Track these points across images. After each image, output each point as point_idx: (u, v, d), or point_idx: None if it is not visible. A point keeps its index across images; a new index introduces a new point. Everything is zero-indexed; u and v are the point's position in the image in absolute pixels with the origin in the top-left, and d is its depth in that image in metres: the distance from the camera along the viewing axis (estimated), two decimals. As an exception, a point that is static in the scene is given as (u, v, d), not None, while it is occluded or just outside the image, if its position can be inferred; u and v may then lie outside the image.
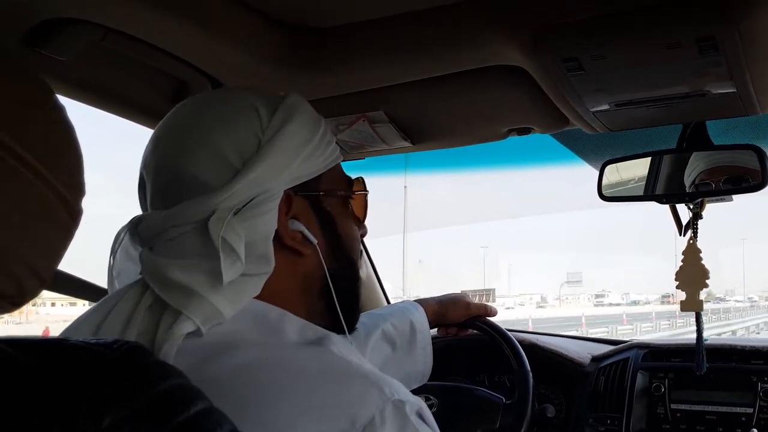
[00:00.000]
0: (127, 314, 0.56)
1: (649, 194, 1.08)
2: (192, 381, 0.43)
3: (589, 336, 1.61)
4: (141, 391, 0.39)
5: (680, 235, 1.08)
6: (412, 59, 0.88)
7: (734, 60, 0.75)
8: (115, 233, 0.65)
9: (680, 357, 1.24)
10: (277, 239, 0.59)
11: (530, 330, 1.50)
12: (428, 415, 0.56)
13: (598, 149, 1.40)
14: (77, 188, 0.43)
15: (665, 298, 60.49)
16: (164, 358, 0.51)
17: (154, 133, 0.63)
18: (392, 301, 1.53)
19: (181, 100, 0.66)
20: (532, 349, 1.27)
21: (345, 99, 1.00)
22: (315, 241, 0.62)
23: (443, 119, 1.08)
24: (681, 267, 1.04)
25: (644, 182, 1.09)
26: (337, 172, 0.67)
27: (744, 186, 1.00)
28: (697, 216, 1.05)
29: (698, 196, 1.05)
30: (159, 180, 0.60)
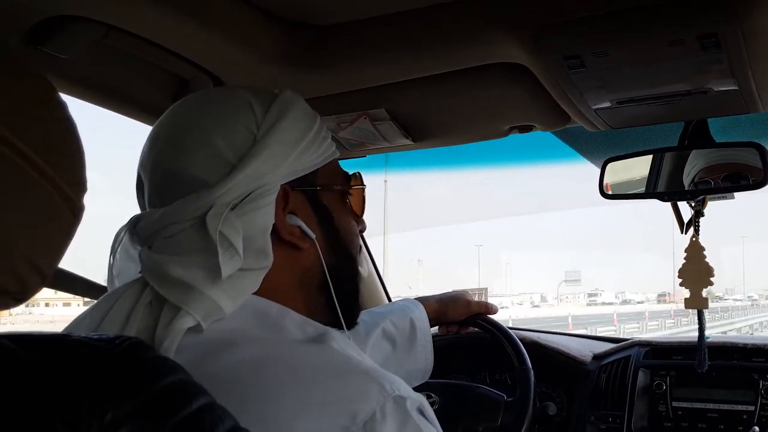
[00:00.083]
0: (127, 311, 0.56)
1: (650, 192, 1.08)
2: (193, 377, 0.43)
3: (590, 334, 1.61)
4: (143, 387, 0.39)
5: (682, 232, 1.08)
6: (414, 57, 0.88)
7: (736, 57, 0.75)
8: (115, 233, 0.65)
9: (682, 355, 1.24)
10: (275, 234, 0.60)
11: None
12: (429, 411, 0.56)
13: (600, 147, 1.40)
14: (79, 185, 0.43)
15: (662, 297, 59.66)
16: (165, 354, 0.51)
17: (151, 133, 0.63)
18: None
19: (182, 97, 0.66)
20: (533, 347, 1.27)
21: (346, 96, 1.00)
22: (313, 236, 0.63)
23: (445, 117, 1.08)
24: (684, 264, 1.04)
25: (646, 180, 1.09)
26: (333, 167, 0.68)
27: (745, 183, 1.00)
28: (698, 213, 1.05)
29: (700, 194, 1.05)
30: (156, 178, 0.61)
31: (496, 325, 1.12)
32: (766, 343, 1.20)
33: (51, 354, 0.39)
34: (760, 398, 1.13)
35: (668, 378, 1.21)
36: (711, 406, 1.16)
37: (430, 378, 1.05)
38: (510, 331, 1.14)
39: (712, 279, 1.02)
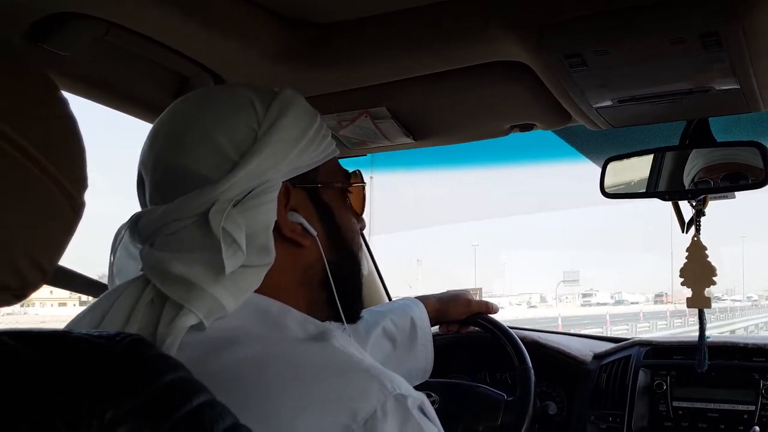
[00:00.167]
0: (128, 309, 0.56)
1: (651, 191, 1.08)
2: (195, 375, 0.43)
3: (591, 334, 1.61)
4: (143, 385, 0.39)
5: (683, 232, 1.08)
6: (415, 55, 0.88)
7: (738, 56, 0.75)
8: (115, 231, 0.65)
9: (682, 354, 1.24)
10: (277, 231, 0.60)
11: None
12: (430, 409, 0.56)
13: (601, 146, 1.39)
14: (80, 181, 0.43)
15: (659, 298, 58.79)
16: (166, 352, 0.51)
17: (152, 130, 0.64)
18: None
19: (183, 95, 0.66)
20: (534, 346, 1.27)
21: (347, 95, 1.00)
22: (314, 233, 0.63)
23: (446, 115, 1.08)
24: (685, 264, 1.04)
25: (647, 179, 1.09)
26: (334, 165, 0.68)
27: (746, 183, 1.00)
28: (699, 213, 1.05)
29: (701, 193, 1.05)
30: (157, 175, 0.61)
31: (496, 325, 1.12)
32: (766, 343, 1.20)
33: (51, 351, 0.38)
34: (761, 398, 1.13)
35: (669, 378, 1.21)
36: (711, 405, 1.16)
37: (430, 377, 1.05)
38: (510, 330, 1.14)
39: (714, 278, 1.02)
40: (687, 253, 1.05)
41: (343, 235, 0.67)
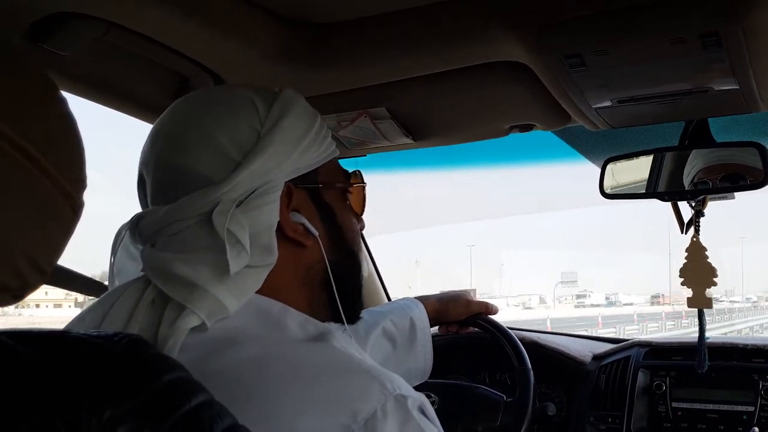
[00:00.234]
0: (129, 310, 0.56)
1: (651, 192, 1.08)
2: (195, 375, 0.43)
3: (590, 335, 1.61)
4: (143, 385, 0.39)
5: (682, 232, 1.08)
6: (414, 55, 0.88)
7: (737, 56, 0.75)
8: (115, 232, 0.65)
9: (681, 355, 1.24)
10: (280, 231, 0.60)
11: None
12: (430, 410, 0.56)
13: (600, 146, 1.39)
14: (79, 181, 0.43)
15: (655, 299, 58.07)
16: (168, 353, 0.51)
17: (152, 130, 0.63)
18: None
19: (183, 95, 0.66)
20: (533, 347, 1.27)
21: (347, 95, 1.00)
22: (316, 233, 0.63)
23: (445, 116, 1.07)
24: (685, 264, 1.04)
25: (646, 180, 1.09)
26: (334, 165, 0.68)
27: (745, 183, 1.00)
28: (699, 213, 1.05)
29: (700, 194, 1.05)
30: (159, 176, 0.61)
31: (495, 325, 1.12)
32: (765, 344, 1.20)
33: (50, 351, 0.38)
34: (760, 399, 1.13)
35: (668, 378, 1.21)
36: (711, 406, 1.16)
37: (430, 378, 1.05)
38: (510, 331, 1.14)
39: (715, 279, 1.02)
40: (686, 254, 1.05)
41: (344, 235, 0.67)
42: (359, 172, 0.72)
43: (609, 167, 1.08)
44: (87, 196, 0.44)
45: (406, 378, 0.90)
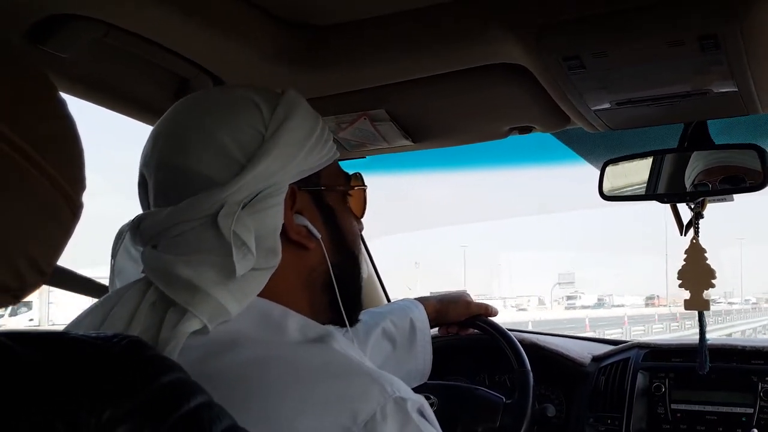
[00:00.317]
0: (130, 312, 0.56)
1: (650, 194, 1.08)
2: (195, 376, 0.43)
3: (589, 336, 1.61)
4: (142, 385, 0.39)
5: (681, 234, 1.08)
6: (413, 57, 0.88)
7: (736, 59, 0.75)
8: (116, 232, 0.65)
9: (681, 357, 1.24)
10: (283, 234, 0.60)
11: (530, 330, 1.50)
12: (429, 412, 0.56)
13: (600, 149, 1.40)
14: (78, 182, 0.43)
15: (650, 300, 57.19)
16: (168, 356, 0.51)
17: (153, 131, 0.63)
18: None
19: (182, 96, 0.66)
20: (532, 348, 1.27)
21: (346, 97, 1.00)
22: (319, 236, 0.63)
23: (445, 117, 1.08)
24: (684, 266, 1.04)
25: (646, 181, 1.09)
26: (335, 167, 0.68)
27: (744, 186, 1.01)
28: (698, 215, 1.05)
29: (699, 196, 1.05)
30: (161, 177, 0.60)
31: (495, 327, 1.12)
32: (765, 346, 1.20)
33: (50, 352, 0.39)
34: (759, 401, 1.13)
35: (667, 380, 1.21)
36: (710, 408, 1.16)
37: (429, 379, 1.05)
38: (509, 332, 1.14)
39: (713, 281, 1.02)
40: (685, 256, 1.05)
41: (346, 237, 0.67)
42: (360, 174, 0.72)
43: (608, 169, 1.08)
44: (86, 197, 0.44)
45: (405, 379, 0.90)
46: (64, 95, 0.44)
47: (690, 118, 1.01)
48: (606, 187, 1.09)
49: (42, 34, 0.75)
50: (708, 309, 1.05)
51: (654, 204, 1.10)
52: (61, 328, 0.57)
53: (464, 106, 1.03)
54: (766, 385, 1.14)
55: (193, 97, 0.65)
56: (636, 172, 1.09)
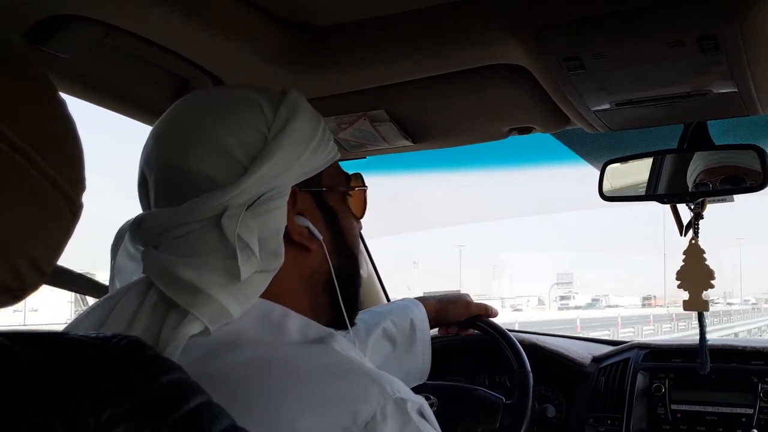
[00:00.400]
0: (131, 313, 0.55)
1: (650, 194, 1.08)
2: (195, 376, 0.43)
3: (590, 336, 1.61)
4: (142, 385, 0.39)
5: (681, 235, 1.08)
6: (413, 58, 0.88)
7: (735, 59, 0.75)
8: (116, 233, 0.65)
9: (681, 357, 1.24)
10: (286, 235, 0.59)
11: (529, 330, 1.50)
12: (429, 413, 0.56)
13: (599, 149, 1.40)
14: (78, 182, 0.43)
15: (646, 301, 56.66)
16: (168, 357, 0.51)
17: (154, 130, 0.63)
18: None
19: (182, 97, 0.66)
20: (532, 349, 1.27)
21: (346, 97, 1.00)
22: (320, 237, 0.63)
23: (445, 118, 1.08)
24: (683, 266, 1.04)
25: (646, 182, 1.09)
26: (336, 168, 0.68)
27: (744, 186, 1.01)
28: (698, 216, 1.06)
29: (699, 196, 1.05)
30: (163, 177, 0.60)
31: (495, 328, 1.12)
32: (765, 346, 1.20)
33: (49, 352, 0.39)
34: (759, 401, 1.13)
35: (667, 380, 1.21)
36: (710, 408, 1.16)
37: (429, 380, 1.05)
38: (509, 333, 1.14)
39: (712, 282, 1.02)
40: (684, 256, 1.05)
41: (346, 238, 0.67)
42: (360, 174, 0.71)
43: (608, 170, 1.08)
44: (86, 197, 0.44)
45: (405, 379, 0.90)
46: (64, 96, 0.44)
47: (690, 119, 1.01)
48: (606, 188, 1.09)
49: (42, 34, 0.75)
50: (707, 309, 1.05)
51: (653, 204, 1.10)
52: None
53: (464, 106, 1.03)
54: (766, 386, 1.14)
55: (193, 96, 0.64)
56: (636, 172, 1.09)
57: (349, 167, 0.72)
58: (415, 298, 1.09)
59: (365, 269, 0.72)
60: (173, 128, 0.61)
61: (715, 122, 1.03)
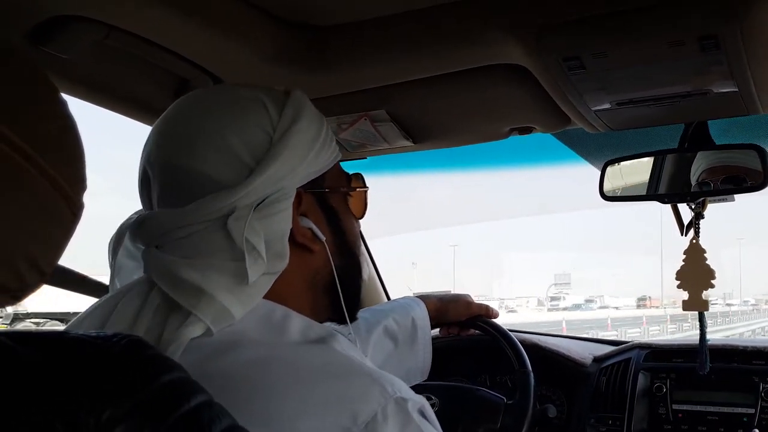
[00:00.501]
0: (133, 313, 0.55)
1: (651, 194, 1.08)
2: (196, 376, 0.43)
3: (590, 337, 1.61)
4: (142, 385, 0.39)
5: (682, 234, 1.08)
6: (414, 58, 0.88)
7: (736, 58, 0.75)
8: (115, 233, 0.65)
9: (682, 357, 1.24)
10: (290, 236, 0.59)
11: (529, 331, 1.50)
12: (430, 413, 0.56)
13: (600, 149, 1.40)
14: (79, 183, 0.43)
15: (641, 301, 55.88)
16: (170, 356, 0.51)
17: (157, 128, 0.62)
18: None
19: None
20: (533, 349, 1.27)
21: (347, 98, 1.00)
22: (323, 238, 0.63)
23: (445, 118, 1.08)
24: (683, 266, 1.04)
25: (647, 182, 1.09)
26: (338, 168, 0.68)
27: (745, 186, 1.01)
28: (698, 216, 1.05)
29: (700, 196, 1.05)
30: (165, 177, 0.59)
31: (496, 328, 1.12)
32: (766, 346, 1.20)
33: (50, 352, 0.38)
34: (761, 401, 1.13)
35: (668, 380, 1.21)
36: (711, 408, 1.16)
37: (430, 380, 1.05)
38: (510, 333, 1.14)
39: (713, 281, 1.02)
40: (685, 256, 1.05)
41: (348, 238, 0.67)
42: (361, 174, 0.71)
43: (609, 170, 1.08)
44: (87, 198, 0.44)
45: (406, 377, 0.89)
46: (64, 96, 0.44)
47: (690, 119, 1.01)
48: (606, 188, 1.08)
49: (43, 35, 0.75)
50: (707, 309, 1.05)
51: (653, 205, 1.10)
52: None
53: (465, 106, 1.03)
54: (767, 386, 1.13)
55: (195, 95, 0.64)
56: (637, 172, 1.09)
57: (350, 168, 0.72)
58: (416, 296, 1.09)
59: (367, 270, 0.72)
60: (176, 127, 0.60)
61: (715, 121, 1.03)
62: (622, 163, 1.08)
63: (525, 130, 1.10)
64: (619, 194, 1.10)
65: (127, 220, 0.64)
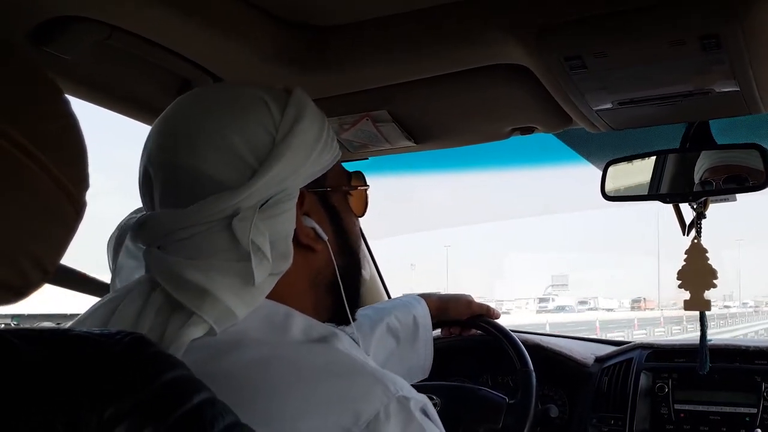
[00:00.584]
0: (135, 313, 0.55)
1: (653, 194, 1.08)
2: (199, 376, 0.43)
3: (592, 337, 1.61)
4: (144, 383, 0.39)
5: (684, 234, 1.08)
6: (416, 58, 0.88)
7: (737, 58, 0.75)
8: (115, 233, 0.64)
9: (684, 357, 1.24)
10: (293, 237, 0.59)
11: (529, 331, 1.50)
12: (432, 412, 0.56)
13: (602, 149, 1.40)
14: (81, 181, 0.43)
15: (636, 303, 55.23)
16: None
17: (157, 127, 0.61)
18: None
19: None
20: (535, 349, 1.27)
21: (348, 98, 1.00)
22: (326, 237, 0.62)
23: (447, 118, 1.08)
24: (684, 266, 1.04)
25: (648, 181, 1.09)
26: (339, 167, 0.67)
27: (747, 185, 1.00)
28: (700, 215, 1.05)
29: (702, 195, 1.05)
30: (167, 176, 0.59)
31: (498, 328, 1.12)
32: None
33: (52, 350, 0.39)
34: (763, 401, 1.13)
35: (670, 380, 1.21)
36: (713, 408, 1.16)
37: (432, 380, 1.05)
38: (512, 333, 1.14)
39: (714, 281, 1.02)
40: (686, 255, 1.05)
41: (350, 237, 0.67)
42: (361, 173, 0.71)
43: (610, 170, 1.08)
44: (89, 197, 0.44)
45: (407, 374, 0.89)
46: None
47: (692, 118, 1.01)
48: (608, 188, 1.08)
49: (45, 35, 0.75)
50: (708, 309, 1.05)
51: (650, 205, 1.10)
52: None
53: (466, 106, 1.03)
54: (769, 386, 1.13)
55: (196, 93, 0.63)
56: (638, 172, 1.09)
57: (351, 168, 0.72)
58: (418, 295, 1.09)
59: (368, 269, 0.72)
60: (176, 126, 0.60)
61: (716, 121, 1.03)
62: (623, 163, 1.08)
63: (526, 130, 1.10)
64: (621, 194, 1.10)
65: (127, 219, 0.64)
